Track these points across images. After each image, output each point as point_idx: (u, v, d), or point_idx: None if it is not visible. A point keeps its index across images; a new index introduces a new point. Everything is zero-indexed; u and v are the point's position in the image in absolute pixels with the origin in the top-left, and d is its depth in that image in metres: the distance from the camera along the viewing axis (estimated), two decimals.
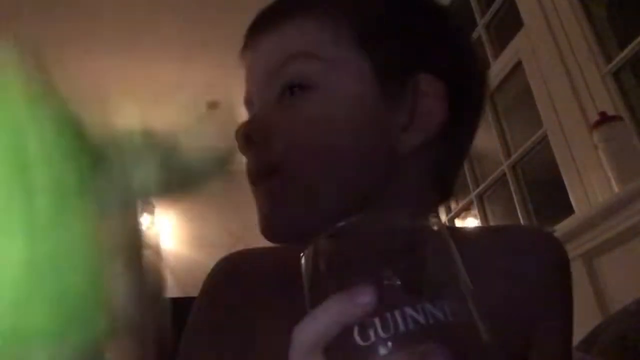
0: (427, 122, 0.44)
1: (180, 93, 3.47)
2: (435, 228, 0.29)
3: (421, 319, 0.24)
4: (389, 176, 0.44)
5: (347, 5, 0.46)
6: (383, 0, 0.48)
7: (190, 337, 0.47)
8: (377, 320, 0.25)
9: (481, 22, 2.18)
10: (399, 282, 0.26)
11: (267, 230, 0.44)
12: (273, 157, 0.43)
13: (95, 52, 3.08)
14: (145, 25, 2.97)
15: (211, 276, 0.51)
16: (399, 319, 0.24)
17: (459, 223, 2.34)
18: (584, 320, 1.35)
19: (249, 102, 0.49)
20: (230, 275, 0.50)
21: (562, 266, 0.49)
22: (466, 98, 0.47)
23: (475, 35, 2.24)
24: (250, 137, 0.44)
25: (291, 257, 0.32)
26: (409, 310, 0.25)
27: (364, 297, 0.25)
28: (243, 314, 0.46)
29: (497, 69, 2.03)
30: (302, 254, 0.29)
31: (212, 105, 3.76)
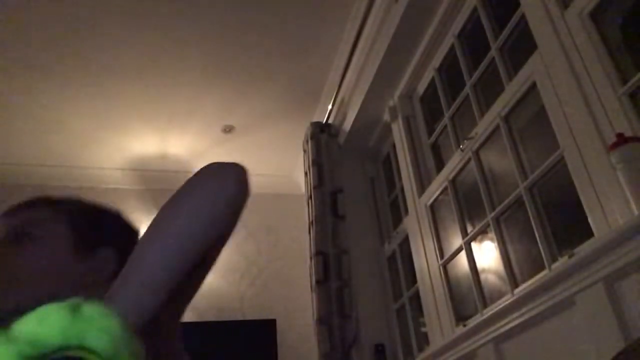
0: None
1: (196, 118, 3.52)
2: None
3: None
4: None
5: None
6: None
7: None
8: None
9: (495, 44, 2.19)
10: None
11: None
12: None
13: (113, 77, 3.14)
14: (161, 52, 3.03)
15: None
16: None
17: (475, 246, 2.31)
18: (606, 347, 1.32)
19: None
20: None
21: None
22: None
23: (489, 57, 2.25)
24: None
25: None
26: None
27: None
28: None
29: (512, 91, 2.03)
30: None
31: (227, 129, 3.79)
